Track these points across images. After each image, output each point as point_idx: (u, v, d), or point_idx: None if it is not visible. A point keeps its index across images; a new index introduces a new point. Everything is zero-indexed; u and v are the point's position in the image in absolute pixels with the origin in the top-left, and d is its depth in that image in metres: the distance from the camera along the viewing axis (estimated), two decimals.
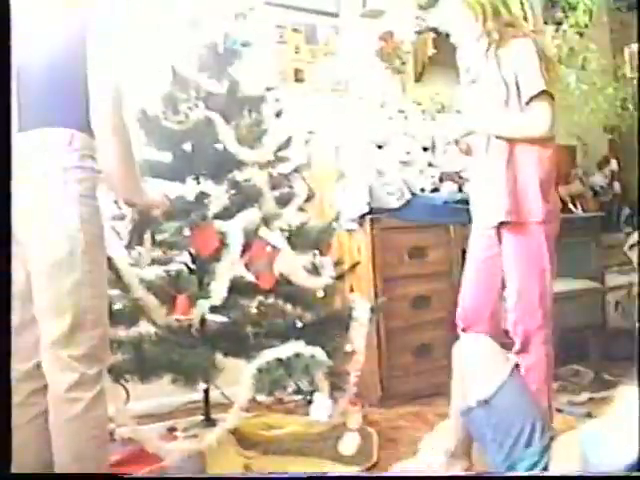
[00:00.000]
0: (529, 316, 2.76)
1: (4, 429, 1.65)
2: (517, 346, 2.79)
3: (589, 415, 3.36)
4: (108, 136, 2.05)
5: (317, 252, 2.98)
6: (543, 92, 2.66)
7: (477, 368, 2.25)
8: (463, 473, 1.73)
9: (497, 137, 2.75)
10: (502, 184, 2.73)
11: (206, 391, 3.06)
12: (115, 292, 2.60)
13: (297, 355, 2.56)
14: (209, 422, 3.06)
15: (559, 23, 4.79)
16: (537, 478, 1.65)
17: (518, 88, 2.71)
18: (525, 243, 2.78)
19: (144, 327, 2.62)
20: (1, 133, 1.82)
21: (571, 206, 4.67)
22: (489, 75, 2.77)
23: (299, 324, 2.76)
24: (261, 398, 2.85)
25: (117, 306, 2.60)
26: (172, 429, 3.16)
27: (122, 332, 2.60)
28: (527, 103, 2.69)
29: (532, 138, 2.72)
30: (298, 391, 2.89)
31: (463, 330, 2.92)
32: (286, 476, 2.49)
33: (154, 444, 2.56)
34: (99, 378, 2.03)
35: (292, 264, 2.74)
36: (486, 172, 2.82)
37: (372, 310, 3.03)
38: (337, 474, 1.93)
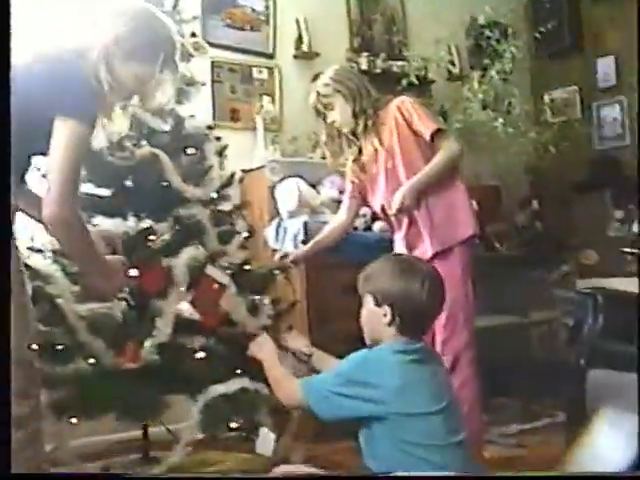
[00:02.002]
0: (456, 336, 2.94)
1: (4, 429, 1.63)
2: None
3: (519, 445, 3.50)
4: (59, 229, 2.07)
5: (258, 294, 3.02)
6: (438, 130, 2.96)
7: None
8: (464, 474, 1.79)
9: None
10: (421, 227, 3.01)
11: (145, 429, 3.04)
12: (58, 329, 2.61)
13: (243, 390, 2.59)
14: (148, 460, 3.03)
15: (485, 69, 4.98)
16: (539, 478, 1.71)
17: (416, 135, 2.99)
18: (450, 266, 2.94)
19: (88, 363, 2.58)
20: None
21: (496, 244, 4.83)
22: (373, 147, 3.05)
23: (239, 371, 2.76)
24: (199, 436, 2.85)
25: (60, 343, 2.58)
26: (106, 468, 3.11)
27: (65, 368, 2.56)
28: (431, 141, 2.96)
29: (454, 162, 3.01)
30: (236, 428, 2.89)
31: None
32: (287, 476, 2.49)
33: None
34: (29, 419, 2.00)
35: (236, 302, 2.77)
36: (401, 220, 3.07)
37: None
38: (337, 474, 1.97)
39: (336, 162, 3.23)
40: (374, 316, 1.94)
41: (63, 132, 2.04)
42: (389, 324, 1.91)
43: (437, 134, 2.96)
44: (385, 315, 1.90)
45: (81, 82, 2.11)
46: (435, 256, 2.97)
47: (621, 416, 1.78)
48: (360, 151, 3.13)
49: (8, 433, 1.66)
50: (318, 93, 3.09)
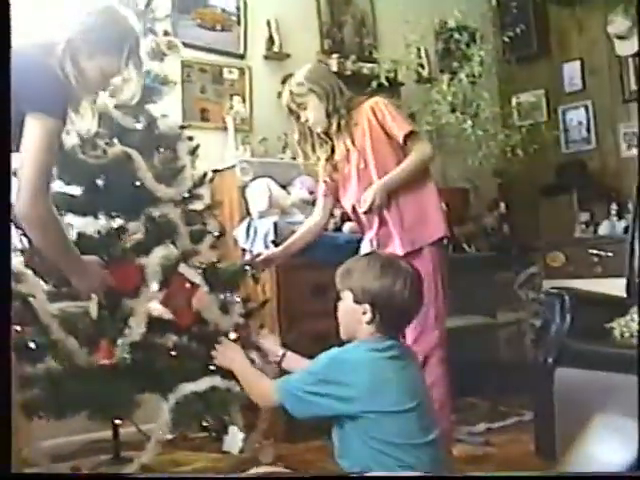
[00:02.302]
0: (426, 336, 2.97)
1: (4, 429, 1.61)
2: None
3: (487, 444, 3.54)
4: (34, 227, 2.12)
5: (229, 292, 3.02)
6: (411, 132, 3.00)
7: None
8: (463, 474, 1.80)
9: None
10: (392, 227, 3.04)
11: (115, 429, 3.03)
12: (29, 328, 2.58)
13: (213, 389, 2.59)
14: (118, 460, 3.02)
15: (454, 72, 5.03)
16: (539, 478, 1.73)
17: (389, 136, 3.02)
18: (421, 267, 2.94)
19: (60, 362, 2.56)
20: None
21: (465, 246, 4.88)
22: (345, 146, 3.08)
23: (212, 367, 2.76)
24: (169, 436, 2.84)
25: (31, 342, 2.56)
26: (76, 469, 3.09)
27: (36, 367, 2.54)
28: (404, 144, 2.99)
29: (426, 164, 3.06)
30: (204, 428, 2.89)
31: None
32: (287, 476, 2.49)
33: None
34: None
35: (208, 301, 2.76)
36: (372, 220, 3.09)
37: (283, 346, 3.06)
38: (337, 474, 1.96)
39: (308, 162, 3.24)
40: (353, 313, 1.95)
41: (35, 129, 2.05)
42: (369, 322, 1.92)
43: (410, 136, 3.01)
44: (365, 313, 1.91)
45: (49, 77, 2.13)
46: (405, 256, 3.00)
47: (618, 420, 1.80)
48: (333, 151, 3.16)
49: (8, 433, 1.65)
50: (291, 92, 3.10)
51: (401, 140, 3.00)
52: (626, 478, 1.64)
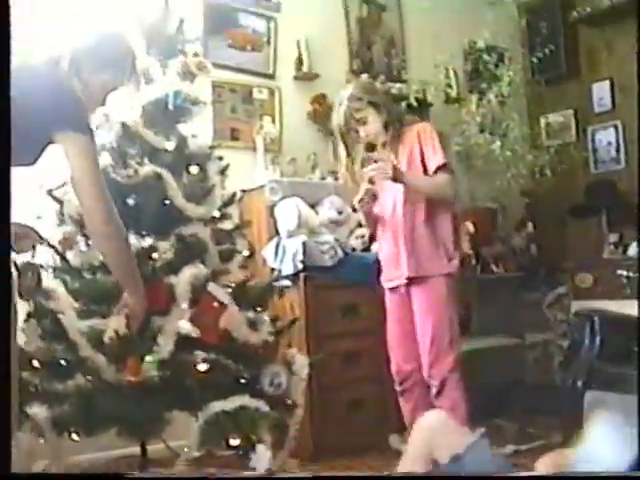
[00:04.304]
0: (442, 360, 3.03)
1: (4, 429, 1.63)
2: (434, 390, 3.05)
3: (515, 465, 3.49)
4: (108, 242, 2.23)
5: (258, 310, 3.03)
6: (445, 164, 3.07)
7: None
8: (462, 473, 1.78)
9: (415, 191, 3.08)
10: (402, 245, 3.11)
11: (143, 446, 3.04)
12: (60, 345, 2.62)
13: (243, 407, 2.60)
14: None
15: (483, 92, 5.03)
16: (536, 478, 1.72)
17: (423, 160, 3.10)
18: (434, 293, 3.07)
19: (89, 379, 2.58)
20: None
21: (493, 266, 4.86)
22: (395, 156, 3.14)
23: (242, 380, 2.77)
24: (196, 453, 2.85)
25: (61, 359, 2.59)
26: None
27: (66, 384, 2.57)
28: (434, 173, 3.06)
29: (442, 198, 3.12)
30: (235, 445, 2.89)
31: (400, 384, 3.12)
32: (287, 476, 2.49)
33: None
34: None
35: (237, 320, 2.78)
36: (388, 237, 3.19)
37: (311, 365, 3.08)
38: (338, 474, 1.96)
39: (352, 177, 3.27)
40: None
41: (75, 147, 2.10)
42: None
43: (441, 168, 3.07)
44: None
45: (65, 93, 2.17)
46: (413, 279, 3.09)
47: (618, 419, 1.78)
48: None
49: (8, 433, 1.67)
50: (349, 108, 3.12)
51: (432, 171, 3.07)
52: (626, 478, 1.63)
